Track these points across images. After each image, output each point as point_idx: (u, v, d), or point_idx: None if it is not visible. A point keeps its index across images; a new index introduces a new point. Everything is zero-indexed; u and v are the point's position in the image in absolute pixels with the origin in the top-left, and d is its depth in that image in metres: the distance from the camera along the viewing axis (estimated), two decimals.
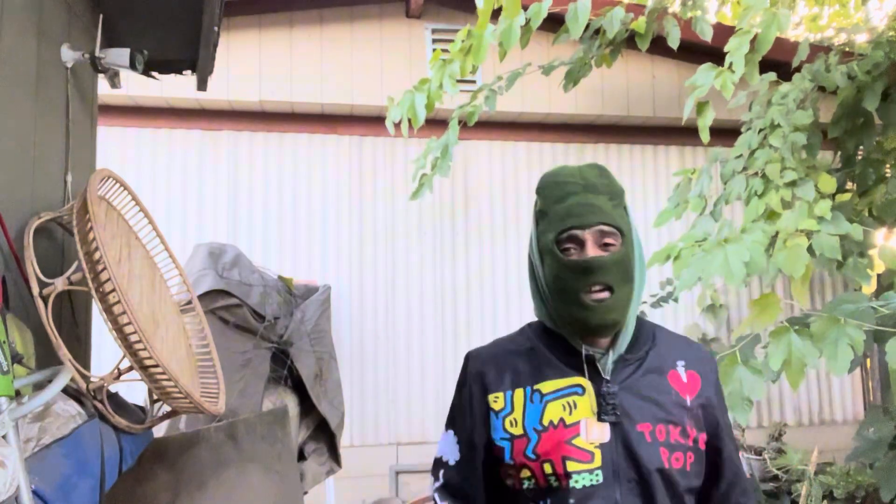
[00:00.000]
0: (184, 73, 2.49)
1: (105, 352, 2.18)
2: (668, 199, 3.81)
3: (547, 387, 1.16)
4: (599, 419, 1.11)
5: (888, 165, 3.54)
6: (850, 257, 2.95)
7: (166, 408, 1.65)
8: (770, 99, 3.39)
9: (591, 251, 1.10)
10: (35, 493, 1.17)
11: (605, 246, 1.11)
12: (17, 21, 1.57)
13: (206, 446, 2.04)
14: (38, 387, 1.30)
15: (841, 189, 3.54)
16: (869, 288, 3.11)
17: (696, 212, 3.49)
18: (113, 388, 1.58)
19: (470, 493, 1.23)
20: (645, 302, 4.25)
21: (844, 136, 3.63)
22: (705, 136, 3.00)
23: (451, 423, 1.27)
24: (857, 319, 2.14)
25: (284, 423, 2.34)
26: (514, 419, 1.16)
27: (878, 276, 3.26)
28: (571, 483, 1.10)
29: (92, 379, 1.47)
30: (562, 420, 1.12)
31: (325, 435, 3.17)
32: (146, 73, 2.00)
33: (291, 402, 3.02)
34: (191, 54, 2.36)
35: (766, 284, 3.69)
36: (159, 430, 2.63)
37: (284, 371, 3.04)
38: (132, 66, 1.88)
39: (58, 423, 1.30)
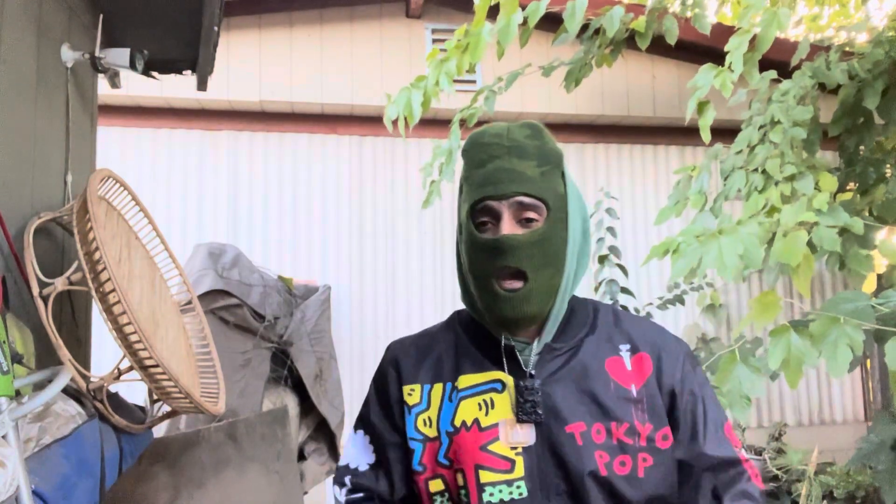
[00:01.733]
0: (184, 73, 2.49)
1: (105, 352, 2.19)
2: (668, 198, 3.81)
3: (463, 382, 0.99)
4: (518, 420, 0.94)
5: (889, 165, 3.54)
6: (850, 249, 2.95)
7: (166, 408, 1.65)
8: (770, 96, 3.40)
9: (507, 227, 0.92)
10: (35, 493, 1.17)
11: (525, 222, 0.93)
12: (17, 21, 1.57)
13: (206, 446, 2.04)
14: (38, 387, 1.30)
15: (842, 188, 3.54)
16: (870, 285, 3.11)
17: (696, 208, 3.49)
18: (113, 388, 1.58)
19: (386, 497, 1.04)
20: (651, 304, 4.23)
21: (845, 134, 3.64)
22: (706, 135, 3.01)
23: (361, 421, 1.10)
24: (857, 318, 2.14)
25: (284, 423, 2.34)
26: (429, 418, 0.99)
27: (879, 276, 3.26)
28: (485, 497, 0.92)
29: (92, 379, 1.47)
30: (476, 421, 0.95)
31: (325, 435, 3.17)
32: (146, 73, 2.00)
33: (291, 402, 3.02)
34: (191, 54, 2.36)
35: (767, 285, 3.69)
36: (159, 430, 2.63)
37: (284, 371, 3.04)
38: (132, 66, 1.88)
39: (58, 423, 1.30)
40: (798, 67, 3.45)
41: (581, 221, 0.99)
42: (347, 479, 1.06)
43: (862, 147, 3.62)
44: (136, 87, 3.83)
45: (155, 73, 2.26)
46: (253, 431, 2.19)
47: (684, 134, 4.61)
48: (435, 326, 1.12)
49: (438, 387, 1.01)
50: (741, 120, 3.63)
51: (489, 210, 0.93)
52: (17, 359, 1.23)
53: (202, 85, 2.54)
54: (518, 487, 0.92)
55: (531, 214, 0.93)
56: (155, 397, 1.62)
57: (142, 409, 1.71)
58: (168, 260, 1.91)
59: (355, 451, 1.08)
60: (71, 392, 1.42)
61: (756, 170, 3.20)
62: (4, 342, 1.14)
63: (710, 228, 2.77)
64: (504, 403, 0.96)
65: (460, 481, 0.95)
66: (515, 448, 0.93)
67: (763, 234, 2.56)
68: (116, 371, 1.50)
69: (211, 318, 2.77)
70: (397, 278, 4.42)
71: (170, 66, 2.43)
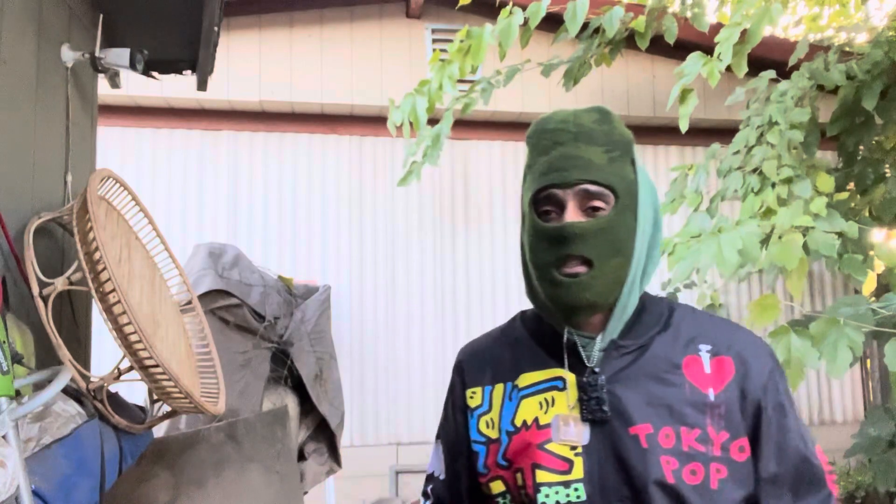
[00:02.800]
0: (184, 73, 2.49)
1: (105, 352, 2.18)
2: (664, 195, 3.81)
3: (524, 380, 0.95)
4: (583, 418, 0.88)
5: (888, 164, 3.54)
6: (845, 254, 2.96)
7: (166, 408, 1.65)
8: (768, 96, 3.40)
9: (571, 216, 0.87)
10: (35, 493, 1.17)
11: (591, 210, 0.88)
12: (17, 21, 1.57)
13: (206, 446, 2.04)
14: (38, 387, 1.30)
15: (840, 188, 3.54)
16: (868, 287, 3.11)
17: (692, 207, 3.49)
18: (113, 388, 1.58)
19: None
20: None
21: (843, 134, 3.64)
22: (684, 124, 3.01)
23: (439, 432, 1.08)
24: (857, 321, 2.14)
25: (284, 423, 2.34)
26: (491, 420, 0.96)
27: (878, 276, 3.26)
28: (540, 498, 0.87)
29: (92, 379, 1.47)
30: (535, 420, 0.91)
31: (325, 435, 3.17)
32: (146, 73, 2.00)
33: (291, 402, 3.02)
34: (191, 54, 2.36)
35: (767, 286, 3.69)
36: (159, 430, 2.63)
37: (284, 371, 3.04)
38: (132, 66, 1.88)
39: (58, 423, 1.30)
40: (796, 68, 3.46)
41: (653, 211, 0.93)
42: (430, 490, 1.07)
43: (861, 147, 3.62)
44: (136, 87, 3.83)
45: (155, 73, 2.26)
46: (253, 431, 2.19)
47: (684, 134, 4.61)
48: (499, 327, 1.07)
49: (500, 387, 0.97)
50: (739, 120, 3.64)
51: (553, 199, 0.89)
52: (17, 359, 1.23)
53: (202, 85, 2.54)
54: (576, 490, 0.87)
55: (597, 203, 0.87)
56: (155, 397, 1.62)
57: (142, 409, 1.71)
58: (168, 260, 1.91)
59: (435, 460, 1.07)
60: (71, 392, 1.42)
61: (753, 171, 3.21)
62: (4, 342, 1.14)
63: (707, 229, 2.77)
64: (563, 401, 0.91)
65: (520, 481, 0.91)
66: (575, 448, 0.88)
67: (759, 236, 2.57)
68: (116, 371, 1.51)
69: (211, 318, 2.77)
70: (397, 278, 4.42)
71: (170, 66, 2.43)
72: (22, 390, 1.26)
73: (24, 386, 1.27)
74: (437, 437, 1.08)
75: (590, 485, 0.87)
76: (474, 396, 0.99)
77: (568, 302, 0.88)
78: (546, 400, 0.92)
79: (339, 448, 3.20)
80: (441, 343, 4.41)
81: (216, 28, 2.13)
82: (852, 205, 3.43)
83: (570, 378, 0.91)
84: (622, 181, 0.89)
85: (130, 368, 1.47)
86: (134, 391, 1.95)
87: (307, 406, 3.10)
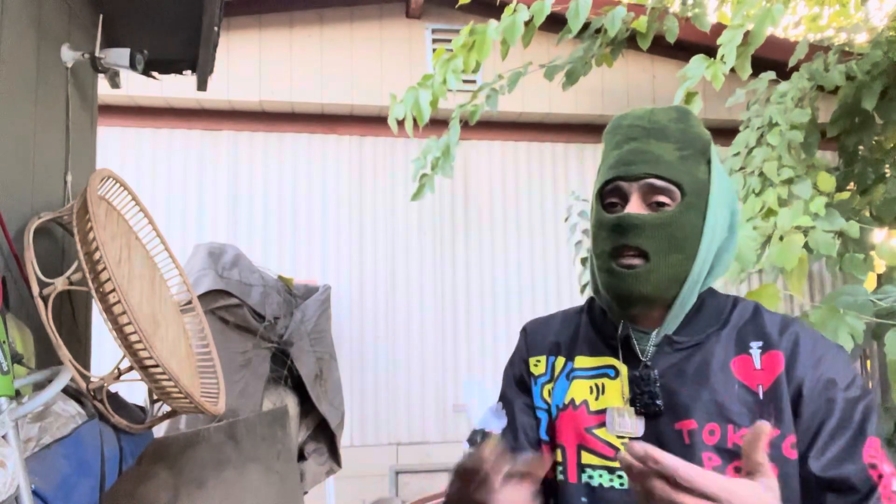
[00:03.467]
0: (184, 73, 2.49)
1: (105, 352, 2.18)
2: None
3: (580, 362, 0.97)
4: (637, 411, 0.89)
5: (888, 165, 3.54)
6: (846, 254, 2.95)
7: (166, 408, 1.65)
8: (768, 97, 3.40)
9: (633, 207, 0.87)
10: (35, 493, 1.17)
11: (655, 205, 0.87)
12: (17, 21, 1.57)
13: (206, 446, 2.04)
14: (38, 387, 1.30)
15: (841, 188, 3.54)
16: (870, 285, 3.11)
17: None
18: (113, 388, 1.58)
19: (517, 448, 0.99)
20: None
21: (843, 135, 3.64)
22: None
23: (500, 397, 1.07)
24: (856, 311, 2.15)
25: (284, 423, 2.34)
26: (551, 388, 0.98)
27: (879, 276, 3.26)
28: (584, 478, 0.90)
29: (92, 379, 1.47)
30: (585, 403, 0.93)
31: (325, 435, 3.17)
32: (146, 73, 2.00)
33: (291, 402, 3.02)
34: (191, 54, 2.36)
35: (770, 280, 3.69)
36: (159, 430, 2.63)
37: (284, 371, 3.04)
38: (132, 66, 1.88)
39: (58, 423, 1.30)
40: (796, 68, 3.46)
41: (728, 215, 0.93)
42: (478, 439, 1.04)
43: (861, 147, 3.62)
44: (136, 87, 3.83)
45: (155, 73, 2.26)
46: (253, 431, 2.19)
47: None
48: (571, 308, 1.09)
49: (560, 360, 0.99)
50: (739, 121, 3.64)
51: (619, 191, 0.90)
52: (17, 359, 1.23)
53: (202, 85, 2.54)
54: (620, 477, 0.88)
55: (663, 198, 0.87)
56: (155, 397, 1.62)
57: (142, 409, 1.71)
58: (168, 260, 1.91)
59: (492, 417, 1.05)
60: (71, 392, 1.42)
61: (753, 172, 3.21)
62: (4, 342, 1.14)
63: None
64: (615, 391, 0.92)
65: (559, 457, 0.92)
66: (622, 437, 0.89)
67: (758, 240, 2.58)
68: (116, 371, 1.51)
69: (211, 318, 2.77)
70: (397, 278, 4.42)
71: (170, 66, 2.43)
72: (22, 390, 1.26)
73: (24, 386, 1.27)
74: (498, 400, 1.07)
75: None
76: (538, 365, 1.01)
77: (622, 292, 0.89)
78: (597, 386, 0.93)
79: (339, 448, 3.20)
80: (441, 343, 4.41)
81: (216, 28, 2.13)
82: (853, 205, 3.43)
83: (623, 369, 0.92)
84: (691, 179, 0.88)
85: (130, 368, 1.47)
86: (134, 391, 1.95)
87: (307, 406, 3.10)
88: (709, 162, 0.91)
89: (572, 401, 0.93)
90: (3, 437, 1.10)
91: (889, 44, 3.31)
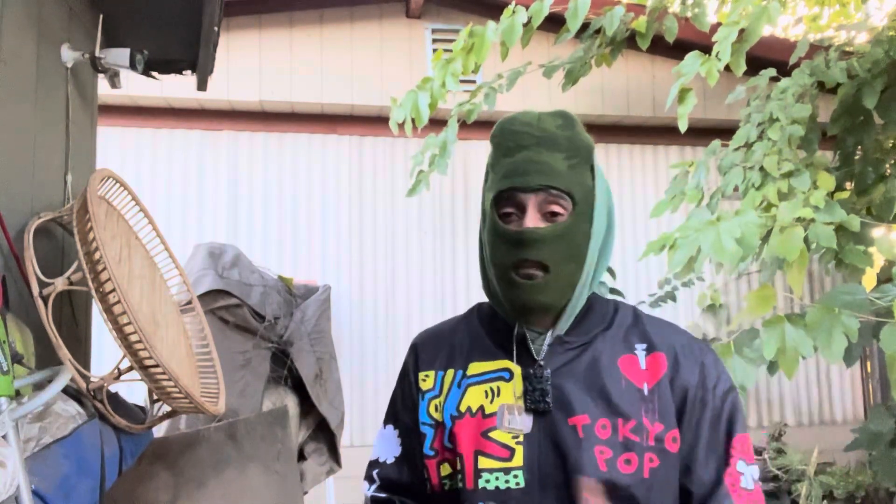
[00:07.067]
0: (184, 73, 2.49)
1: (105, 352, 2.19)
2: (665, 192, 3.81)
3: (473, 369, 0.99)
4: (527, 408, 0.93)
5: (888, 164, 3.54)
6: (846, 246, 2.95)
7: (166, 408, 1.65)
8: (769, 94, 3.40)
9: (531, 220, 0.91)
10: (35, 493, 1.17)
11: (550, 215, 0.92)
12: (17, 21, 1.57)
13: (206, 446, 2.04)
14: (38, 387, 1.30)
15: (840, 187, 3.54)
16: (868, 285, 3.11)
17: (692, 203, 3.49)
18: (113, 388, 1.58)
19: (412, 488, 1.04)
20: (643, 301, 4.25)
21: (843, 134, 3.63)
22: (683, 124, 3.01)
23: (389, 417, 1.10)
24: (854, 310, 2.15)
25: (284, 423, 2.34)
26: (439, 403, 1.00)
27: (877, 274, 3.26)
28: (481, 483, 0.91)
29: (92, 379, 1.47)
30: (481, 408, 0.95)
31: (325, 435, 3.17)
32: (146, 73, 2.00)
33: (291, 402, 3.02)
34: (191, 54, 2.36)
35: (766, 279, 3.69)
36: (159, 430, 2.63)
37: (284, 371, 3.04)
38: (132, 66, 1.88)
39: (58, 423, 1.30)
40: (797, 66, 3.46)
41: (607, 215, 0.98)
42: (375, 474, 1.09)
43: (860, 146, 3.62)
44: (136, 87, 3.83)
45: (155, 73, 2.26)
46: (253, 431, 2.19)
47: (684, 134, 4.61)
48: (456, 317, 1.13)
49: (450, 373, 1.01)
50: (739, 119, 3.64)
51: (514, 201, 0.93)
52: (17, 359, 1.23)
53: (202, 85, 2.54)
54: (515, 476, 0.91)
55: (556, 208, 0.92)
56: (155, 397, 1.62)
57: (142, 409, 1.71)
58: (168, 260, 1.91)
59: (383, 444, 1.09)
60: (71, 392, 1.42)
61: (754, 167, 3.21)
62: (4, 342, 1.14)
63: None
64: (509, 392, 0.95)
65: (458, 466, 0.94)
66: (517, 437, 0.92)
67: (759, 230, 2.57)
68: (116, 371, 1.51)
69: (211, 318, 2.77)
70: (397, 278, 4.42)
71: (170, 66, 2.43)
72: (22, 390, 1.26)
73: (24, 386, 1.27)
74: (386, 422, 1.11)
75: (528, 472, 0.91)
76: (426, 380, 1.03)
77: (523, 302, 0.93)
78: (492, 389, 0.96)
79: (339, 448, 3.20)
80: None
81: (216, 28, 2.13)
82: (853, 204, 3.43)
83: (517, 370, 0.96)
84: (581, 188, 0.92)
85: (130, 368, 1.47)
86: (134, 391, 1.95)
87: (307, 406, 3.10)
88: (592, 168, 0.96)
89: (468, 409, 0.96)
90: (3, 437, 1.10)
91: (889, 42, 3.30)
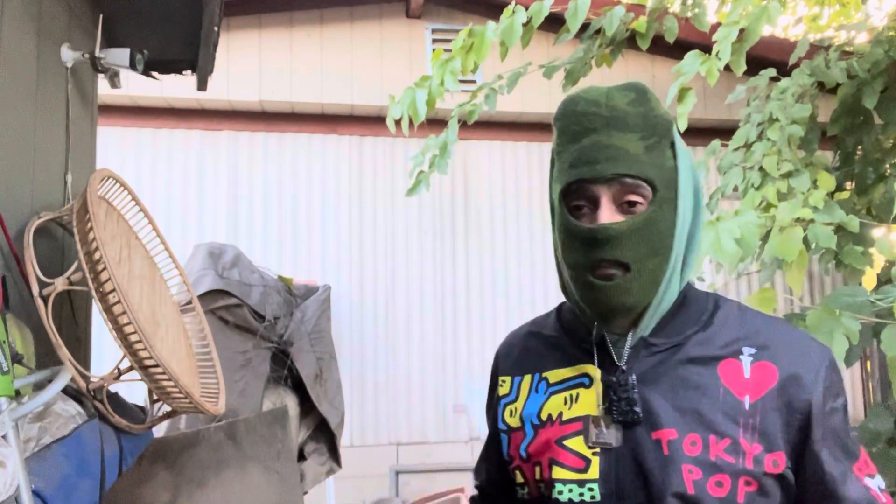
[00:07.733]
0: (184, 73, 2.49)
1: (105, 352, 2.19)
2: None
3: (554, 375, 0.92)
4: (613, 420, 0.83)
5: (888, 164, 3.54)
6: (846, 246, 2.95)
7: (166, 408, 1.65)
8: (769, 94, 3.40)
9: (605, 215, 0.80)
10: (35, 493, 1.17)
11: (627, 206, 0.81)
12: (17, 21, 1.57)
13: (206, 446, 2.04)
14: (38, 387, 1.30)
15: (840, 188, 3.54)
16: (869, 283, 3.10)
17: None
18: (113, 388, 1.58)
19: (493, 495, 1.05)
20: None
21: (843, 134, 3.64)
22: (683, 123, 3.01)
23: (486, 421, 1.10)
24: (855, 311, 2.15)
25: (284, 423, 2.34)
26: (515, 408, 0.94)
27: (878, 275, 3.26)
28: (554, 494, 0.85)
29: (92, 379, 1.47)
30: (559, 415, 0.88)
31: (325, 435, 3.17)
32: (146, 73, 2.00)
33: (291, 402, 3.02)
34: (191, 54, 2.36)
35: (766, 280, 3.69)
36: (159, 430, 2.63)
37: (284, 371, 3.04)
38: (132, 66, 1.88)
39: (58, 423, 1.30)
40: (797, 66, 3.46)
41: (693, 196, 0.86)
42: (475, 474, 1.11)
43: (860, 146, 3.62)
44: (136, 87, 3.83)
45: (155, 73, 2.26)
46: (253, 431, 2.19)
47: (684, 134, 4.61)
48: (541, 316, 1.04)
49: (528, 378, 0.95)
50: (739, 119, 3.64)
51: (585, 193, 0.82)
52: (17, 359, 1.23)
53: (202, 85, 2.54)
54: (590, 490, 0.83)
55: (634, 197, 0.80)
56: (155, 397, 1.62)
57: (142, 409, 1.71)
58: (168, 260, 1.91)
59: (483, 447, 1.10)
60: (71, 392, 1.42)
61: (753, 167, 3.21)
62: (4, 342, 1.14)
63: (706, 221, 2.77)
64: (589, 399, 0.86)
65: (538, 475, 0.88)
66: (594, 448, 0.84)
67: (759, 230, 2.57)
68: (116, 371, 1.50)
69: (211, 318, 2.77)
70: (397, 278, 4.42)
71: (170, 66, 2.43)
72: (22, 390, 1.26)
73: (24, 386, 1.27)
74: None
75: (605, 486, 0.83)
76: (503, 384, 0.99)
77: (603, 306, 0.83)
78: (571, 396, 0.88)
79: (339, 448, 3.20)
80: (441, 343, 4.41)
81: (216, 28, 2.13)
82: (853, 204, 3.43)
83: (597, 374, 0.87)
84: (660, 171, 0.81)
85: (130, 368, 1.47)
86: (134, 391, 1.95)
87: (307, 406, 3.10)
88: (672, 145, 0.84)
89: (549, 416, 0.89)
90: (3, 437, 1.10)
91: (889, 42, 3.30)
